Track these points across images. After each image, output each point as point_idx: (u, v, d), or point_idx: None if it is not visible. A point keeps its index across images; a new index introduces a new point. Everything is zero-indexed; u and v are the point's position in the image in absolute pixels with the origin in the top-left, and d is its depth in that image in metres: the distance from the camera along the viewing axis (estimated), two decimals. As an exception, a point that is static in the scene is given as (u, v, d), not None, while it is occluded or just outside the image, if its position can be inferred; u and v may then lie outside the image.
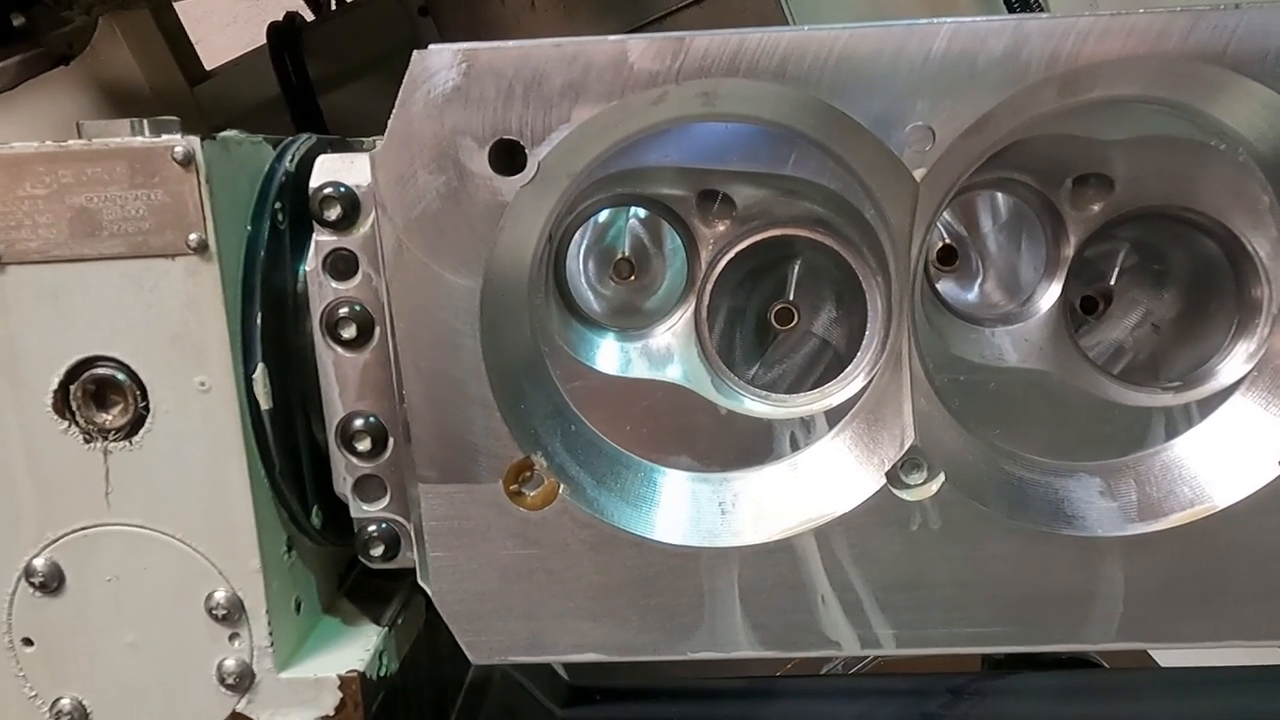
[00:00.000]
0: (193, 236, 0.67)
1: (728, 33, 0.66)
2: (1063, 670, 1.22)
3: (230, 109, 1.71)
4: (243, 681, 0.73)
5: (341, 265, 0.72)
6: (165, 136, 0.67)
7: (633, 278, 0.79)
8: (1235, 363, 0.75)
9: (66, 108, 1.67)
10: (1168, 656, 1.44)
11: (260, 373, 0.70)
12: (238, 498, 0.71)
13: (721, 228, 0.76)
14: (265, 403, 0.71)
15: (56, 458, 0.71)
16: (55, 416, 0.70)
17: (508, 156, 0.66)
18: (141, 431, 0.70)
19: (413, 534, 0.74)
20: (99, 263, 0.68)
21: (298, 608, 0.78)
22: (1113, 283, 0.79)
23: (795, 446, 0.76)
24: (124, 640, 0.73)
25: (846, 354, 0.78)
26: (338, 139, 0.83)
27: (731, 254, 0.77)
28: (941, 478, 0.71)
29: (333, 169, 0.72)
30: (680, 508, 0.75)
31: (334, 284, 0.72)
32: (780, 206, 0.75)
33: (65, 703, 0.74)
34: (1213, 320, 0.77)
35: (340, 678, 0.74)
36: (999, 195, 0.78)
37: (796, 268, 0.79)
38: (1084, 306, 0.79)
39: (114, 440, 0.70)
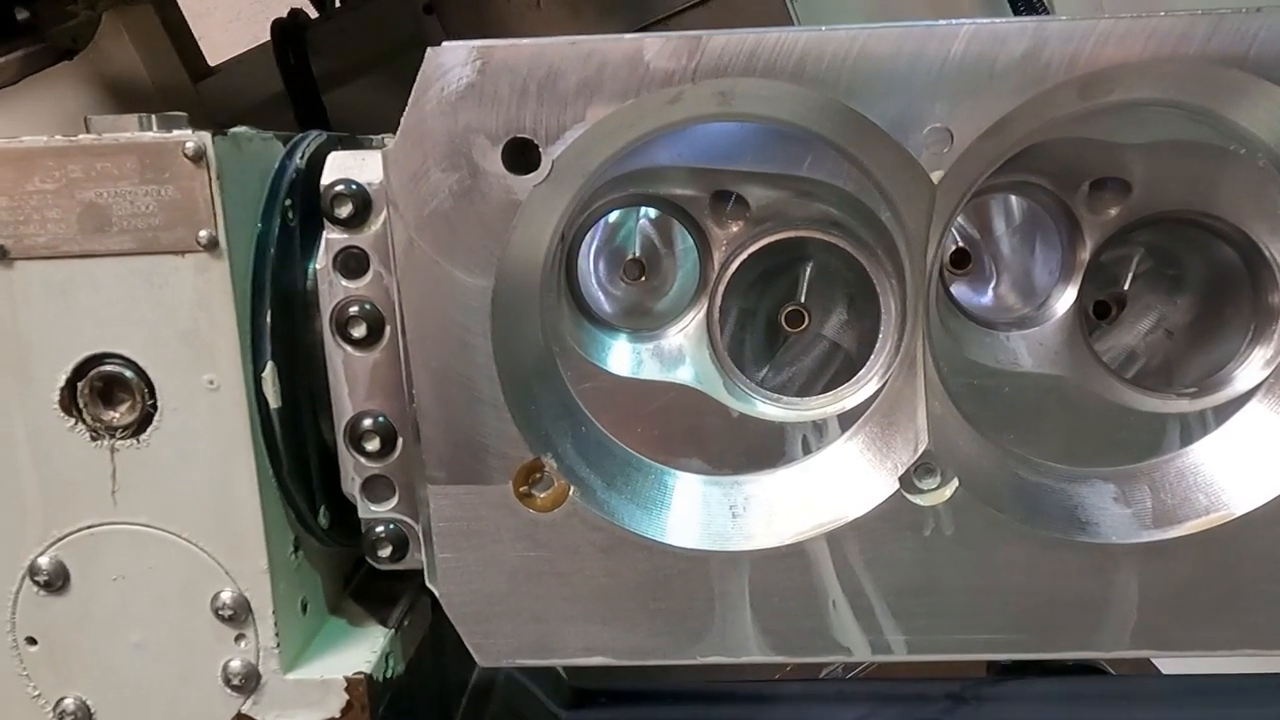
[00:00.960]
0: (203, 233, 0.67)
1: (745, 32, 0.65)
2: (1065, 676, 1.21)
3: (233, 105, 1.70)
4: (248, 683, 0.72)
5: (352, 263, 0.71)
6: (176, 132, 0.66)
7: (643, 278, 0.79)
8: (1252, 369, 0.74)
9: (69, 103, 1.66)
10: (1170, 664, 1.43)
11: (269, 371, 0.70)
12: (245, 497, 0.70)
13: (735, 229, 0.76)
14: (274, 401, 0.70)
15: (63, 455, 0.70)
16: (62, 414, 0.69)
17: (521, 155, 0.66)
18: (149, 430, 0.69)
19: (421, 535, 0.73)
20: (108, 259, 0.67)
21: (304, 608, 0.77)
22: (1127, 287, 0.79)
23: (807, 450, 0.75)
24: (129, 640, 0.73)
25: (858, 357, 0.78)
26: (347, 136, 0.82)
27: (745, 255, 0.77)
28: (955, 483, 0.71)
29: (344, 166, 0.72)
30: (691, 511, 0.74)
31: (344, 282, 0.72)
32: (794, 208, 0.75)
33: (69, 702, 0.73)
34: (1229, 326, 0.76)
35: (347, 679, 0.73)
36: (1014, 198, 0.78)
37: (809, 270, 0.79)
38: (1097, 311, 0.79)
39: (121, 438, 0.70)
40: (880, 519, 0.71)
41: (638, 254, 0.78)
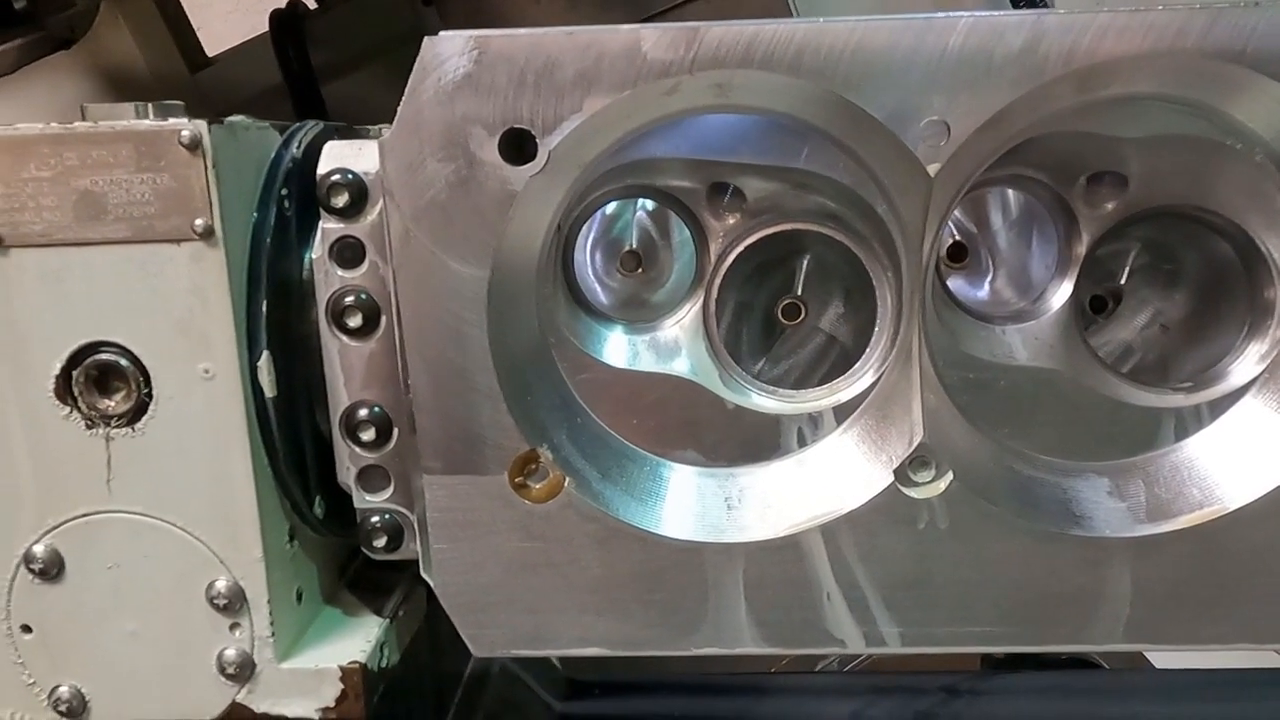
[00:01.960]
0: (198, 222, 0.66)
1: (742, 23, 0.65)
2: (1059, 670, 1.22)
3: (231, 96, 1.70)
4: (243, 671, 0.72)
5: (348, 253, 0.71)
6: (172, 120, 0.66)
7: (640, 270, 0.79)
8: (1247, 364, 0.74)
9: (67, 92, 1.66)
10: (1164, 659, 1.44)
11: (265, 360, 0.70)
12: (240, 487, 0.70)
13: (732, 221, 0.75)
14: (270, 391, 0.70)
15: (58, 444, 0.70)
16: (57, 402, 0.69)
17: (518, 146, 0.65)
18: (144, 418, 0.69)
19: (416, 525, 0.74)
20: (103, 247, 0.67)
21: (299, 598, 0.77)
22: (1123, 282, 0.79)
23: (803, 442, 0.75)
24: (124, 628, 0.73)
25: (854, 350, 0.78)
26: (344, 126, 0.82)
27: (741, 247, 0.77)
28: (950, 476, 0.71)
29: (341, 155, 0.71)
30: (686, 502, 0.74)
31: (340, 272, 0.71)
32: (791, 200, 0.74)
33: (64, 690, 0.73)
34: (1224, 321, 0.76)
35: (341, 669, 0.73)
36: (1011, 192, 0.78)
37: (806, 263, 0.79)
38: (1093, 306, 0.79)
39: (116, 427, 0.70)
40: (875, 512, 0.71)
41: (634, 246, 0.78)
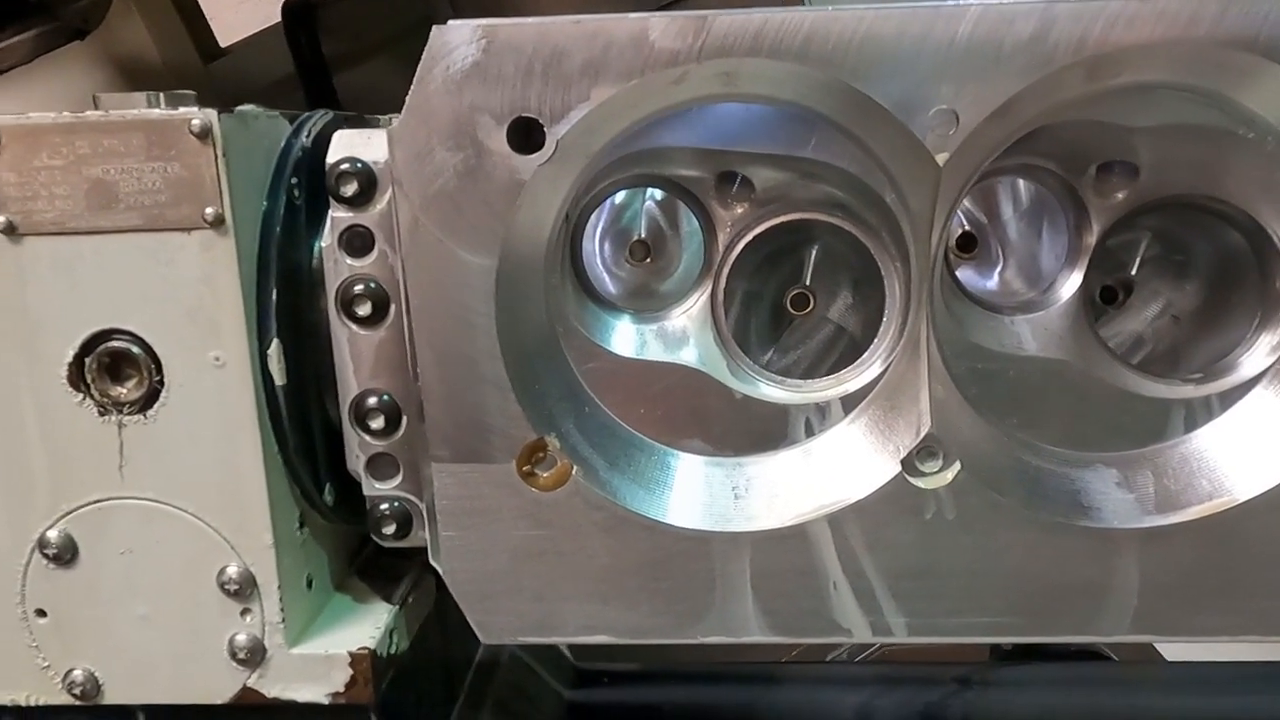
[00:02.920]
0: (209, 210, 0.67)
1: (750, 12, 0.65)
2: (1068, 662, 1.21)
3: (244, 86, 1.70)
4: (254, 656, 0.73)
5: (357, 242, 0.71)
6: (183, 109, 0.66)
7: (648, 260, 0.78)
8: (1258, 355, 0.74)
9: (80, 82, 1.67)
10: (1174, 651, 1.43)
11: (275, 348, 0.70)
12: (251, 473, 0.71)
13: (740, 210, 0.75)
14: (280, 379, 0.70)
15: (71, 430, 0.71)
16: (70, 389, 0.70)
17: (526, 135, 0.65)
18: (156, 405, 0.70)
19: (425, 513, 0.74)
20: (115, 235, 0.68)
21: (309, 584, 0.78)
22: (1133, 273, 0.78)
23: (810, 432, 0.75)
24: (136, 613, 0.73)
25: (862, 340, 0.77)
26: (354, 115, 0.82)
27: (749, 237, 0.76)
28: (957, 466, 0.70)
29: (350, 144, 0.72)
30: (693, 492, 0.74)
31: (349, 261, 0.72)
32: (799, 190, 0.74)
33: (77, 674, 0.74)
34: (1235, 312, 0.76)
35: (351, 654, 0.74)
36: (1020, 181, 0.77)
37: (814, 252, 0.78)
38: (1103, 296, 0.78)
39: (128, 414, 0.70)
40: (882, 501, 0.70)
41: (643, 235, 0.78)
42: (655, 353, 0.76)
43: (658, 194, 0.77)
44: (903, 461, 0.70)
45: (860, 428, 0.75)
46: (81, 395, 0.70)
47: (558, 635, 0.76)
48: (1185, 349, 0.78)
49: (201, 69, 1.71)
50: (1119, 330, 0.78)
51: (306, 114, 0.77)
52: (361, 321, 0.72)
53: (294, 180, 0.72)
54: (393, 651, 0.78)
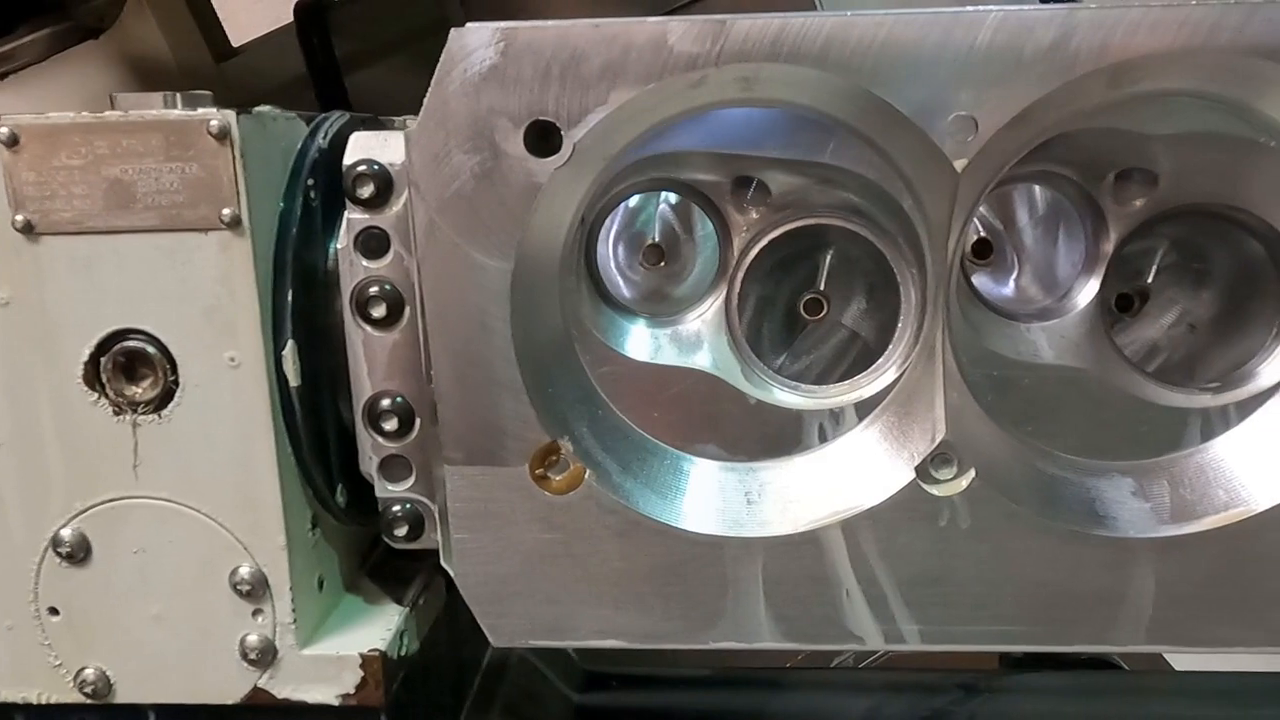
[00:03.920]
0: (226, 211, 0.67)
1: (769, 16, 0.65)
2: (1077, 671, 1.21)
3: (256, 86, 1.70)
4: (265, 657, 0.73)
5: (373, 244, 0.71)
6: (201, 110, 0.66)
7: (663, 264, 0.78)
8: (1276, 364, 0.73)
9: (94, 82, 1.67)
10: (1184, 661, 1.42)
11: (290, 349, 0.70)
12: (264, 474, 0.71)
13: (755, 215, 0.75)
14: (294, 380, 0.70)
15: (86, 429, 0.71)
16: (85, 388, 0.70)
17: (543, 138, 0.65)
18: (170, 405, 0.70)
19: (437, 515, 0.74)
20: (132, 235, 0.68)
21: (320, 585, 0.78)
22: (1150, 281, 0.77)
23: (824, 438, 0.75)
24: (149, 612, 0.73)
25: (876, 346, 0.77)
26: (370, 117, 0.82)
27: (765, 242, 0.76)
28: (972, 473, 0.70)
29: (367, 146, 0.72)
30: (706, 497, 0.73)
31: (365, 262, 0.72)
32: (816, 195, 0.74)
33: (89, 672, 0.74)
34: (1253, 321, 0.75)
35: (362, 656, 0.74)
36: (1038, 188, 0.77)
37: (829, 258, 0.78)
38: (1120, 304, 0.78)
39: (143, 413, 0.70)
40: (896, 508, 0.70)
41: (657, 239, 0.78)
42: (669, 357, 0.76)
43: (673, 198, 0.77)
44: (917, 468, 0.70)
45: (874, 434, 0.74)
46: (97, 394, 0.70)
47: (570, 639, 0.75)
48: (1202, 358, 0.77)
49: (214, 69, 1.72)
50: (1135, 338, 0.78)
51: (323, 115, 0.77)
52: (376, 323, 0.72)
53: (310, 182, 0.72)
54: (403, 653, 0.78)
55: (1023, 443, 0.73)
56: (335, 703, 0.74)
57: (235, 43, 1.80)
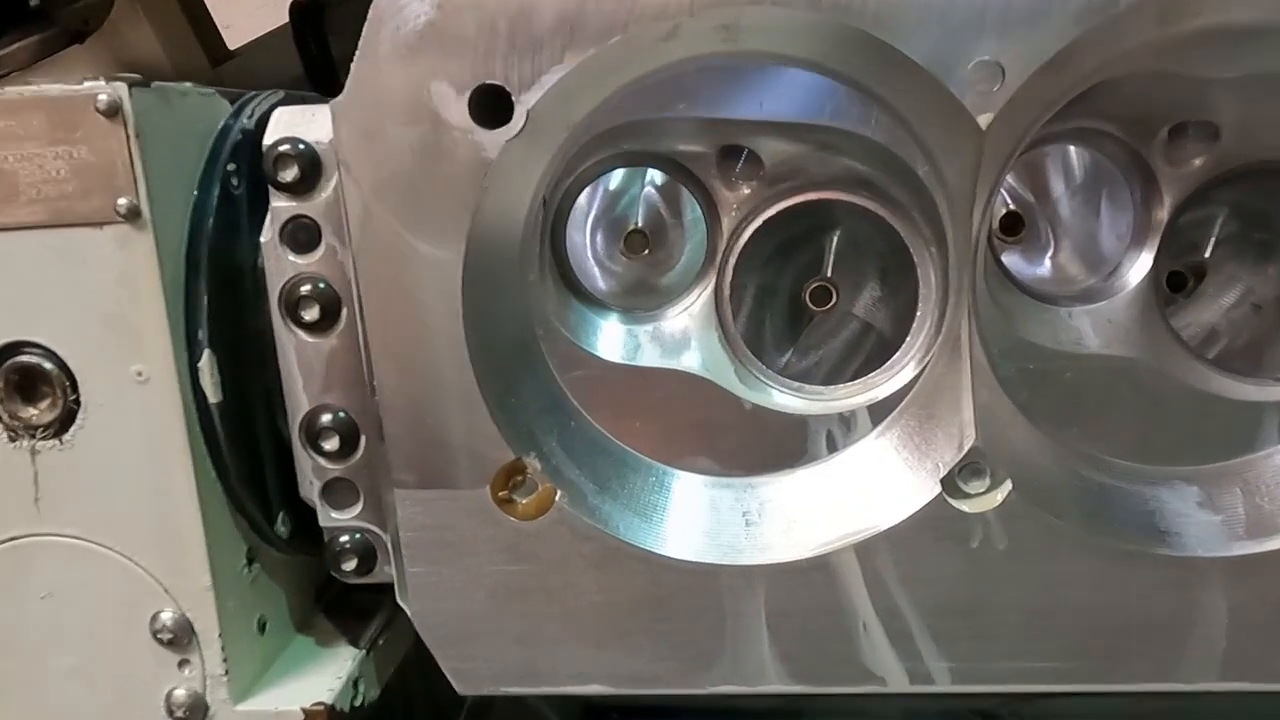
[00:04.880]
0: (122, 201, 0.58)
1: (752, -49, 0.55)
2: (1110, 695, 1.10)
3: (253, 89, 1.70)
4: (194, 714, 0.65)
5: (302, 235, 0.64)
6: (87, 83, 0.58)
7: (647, 252, 0.70)
8: (1365, 348, 0.63)
9: (87, 88, 1.67)
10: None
11: (207, 361, 0.62)
12: (184, 505, 0.63)
13: (746, 191, 0.67)
14: (213, 395, 0.62)
15: (-22, 458, 0.62)
16: (-25, 411, 0.62)
17: (492, 105, 0.57)
18: (73, 429, 0.62)
19: (390, 546, 0.67)
20: (17, 233, 0.60)
21: (262, 628, 0.69)
22: (1208, 255, 0.68)
23: (833, 447, 0.67)
24: (62, 664, 0.67)
25: (893, 339, 0.69)
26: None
27: (758, 222, 0.68)
28: (1007, 485, 0.62)
29: (290, 123, 0.64)
30: (697, 518, 0.67)
31: (293, 257, 0.64)
32: (816, 165, 0.66)
33: (-3, 735, 0.66)
34: (1333, 298, 0.65)
35: (305, 711, 0.65)
36: (1077, 149, 0.68)
37: (835, 239, 0.70)
38: (1170, 283, 0.68)
39: (42, 438, 0.63)
40: (919, 528, 0.62)
41: (640, 224, 0.70)
42: (651, 357, 0.69)
43: (659, 178, 0.69)
44: (943, 481, 0.62)
45: (892, 441, 0.66)
46: (-11, 418, 0.62)
47: (546, 684, 0.68)
48: (1272, 342, 0.68)
49: (210, 71, 1.71)
50: (1191, 321, 0.68)
51: (252, 93, 0.68)
52: (309, 327, 0.64)
53: (231, 167, 0.65)
54: (358, 704, 0.69)
55: (1066, 448, 0.65)
56: (277, 763, 0.65)
57: (231, 45, 1.79)
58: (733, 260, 0.68)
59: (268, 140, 0.63)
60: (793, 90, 0.63)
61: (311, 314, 0.64)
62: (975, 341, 0.61)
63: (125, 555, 0.64)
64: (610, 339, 0.68)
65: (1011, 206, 0.69)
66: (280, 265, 0.64)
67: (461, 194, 0.58)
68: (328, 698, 0.66)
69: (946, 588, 0.63)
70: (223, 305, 0.64)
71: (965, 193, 0.59)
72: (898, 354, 0.67)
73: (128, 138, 0.58)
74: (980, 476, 0.62)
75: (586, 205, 0.70)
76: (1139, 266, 0.65)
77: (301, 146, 0.62)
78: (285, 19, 1.66)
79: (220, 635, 0.64)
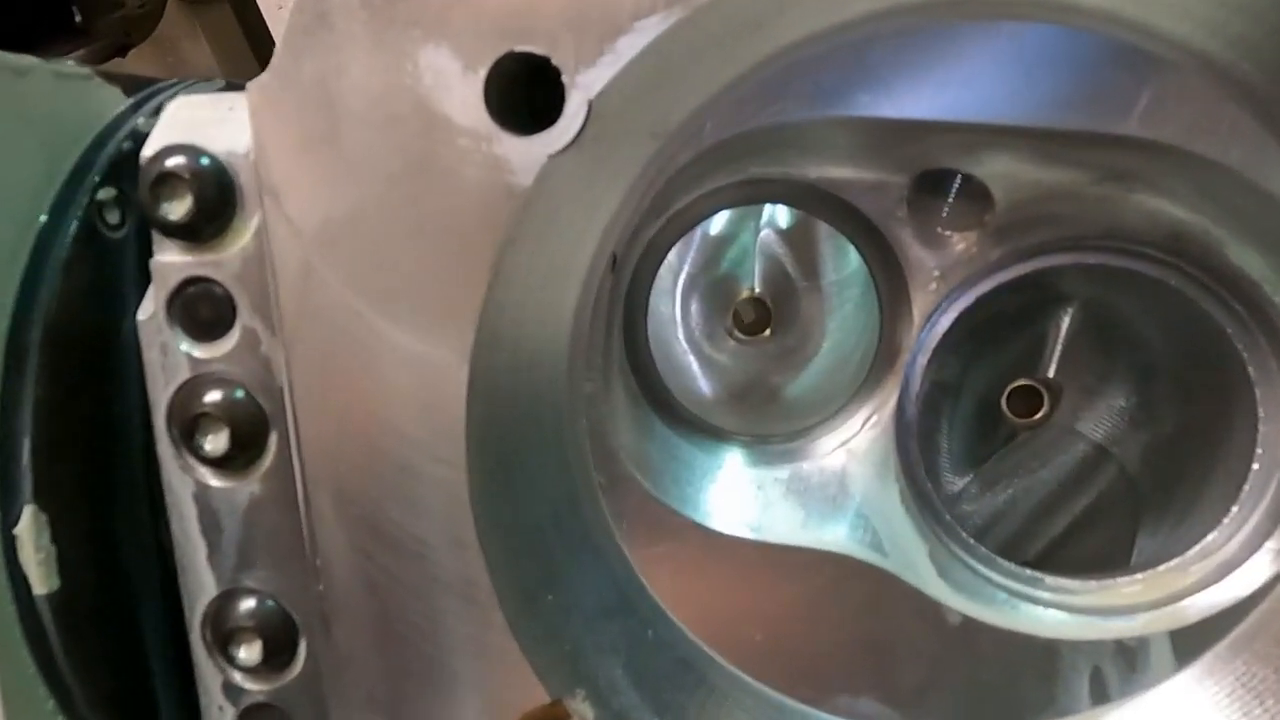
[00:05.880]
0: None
1: None
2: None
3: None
4: None
5: (203, 311, 0.41)
6: None
7: (767, 332, 0.49)
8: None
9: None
10: None
11: (29, 520, 0.38)
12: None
13: (960, 246, 0.42)
14: (42, 585, 0.38)
15: None
16: None
17: (525, 93, 0.36)
18: None
19: (344, 820, 0.43)
20: None
21: None
22: None
23: (1102, 695, 0.42)
24: None
25: (1159, 487, 0.44)
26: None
27: (972, 298, 0.42)
28: None
29: (190, 121, 0.39)
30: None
31: (189, 348, 0.40)
32: (1088, 207, 0.42)
33: None
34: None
35: None
36: None
37: (1068, 317, 0.47)
38: None
39: None
40: None
41: (758, 288, 0.49)
42: (785, 526, 0.50)
43: (784, 217, 0.48)
44: None
45: (1217, 691, 0.39)
46: None
47: None
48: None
49: None
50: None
51: (163, 83, 0.46)
52: (216, 464, 0.42)
53: (104, 194, 0.41)
54: None
55: None
56: None
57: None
58: (926, 359, 0.42)
59: (147, 150, 0.38)
60: (1055, 71, 0.39)
61: (217, 443, 0.40)
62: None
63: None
64: (719, 492, 0.46)
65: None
66: (169, 361, 0.40)
67: (470, 246, 0.36)
68: None
69: None
70: (68, 427, 0.39)
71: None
72: (1214, 534, 0.42)
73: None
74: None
75: (677, 262, 0.47)
76: None
77: (204, 162, 0.38)
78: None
79: None
